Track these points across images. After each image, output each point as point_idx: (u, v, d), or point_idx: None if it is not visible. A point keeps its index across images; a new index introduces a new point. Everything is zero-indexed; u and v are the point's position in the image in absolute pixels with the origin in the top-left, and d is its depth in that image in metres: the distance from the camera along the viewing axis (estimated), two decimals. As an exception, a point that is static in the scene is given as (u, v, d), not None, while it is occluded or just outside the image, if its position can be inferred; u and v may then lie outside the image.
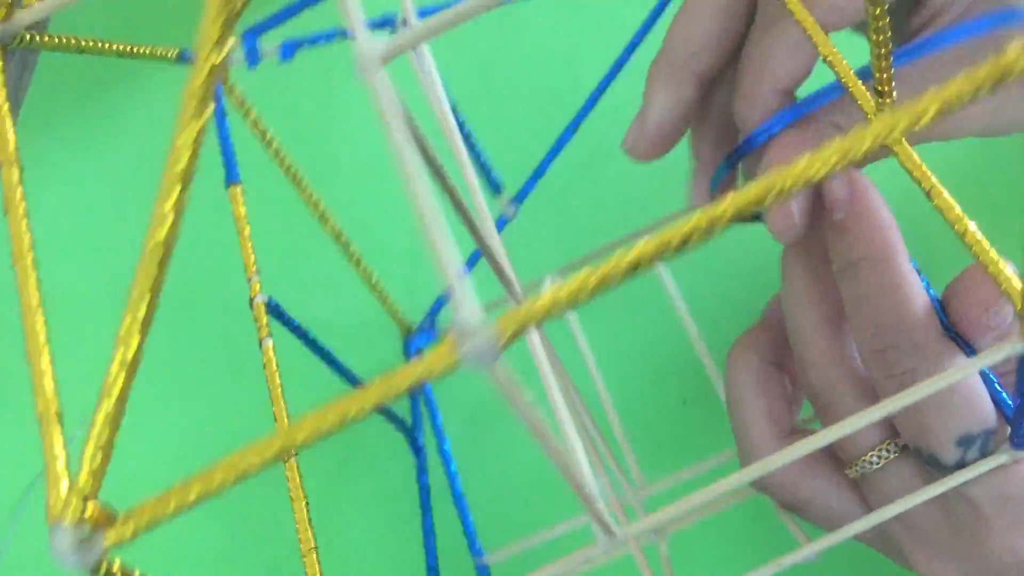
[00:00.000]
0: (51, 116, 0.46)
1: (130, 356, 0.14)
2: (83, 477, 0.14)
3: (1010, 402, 0.25)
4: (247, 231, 0.30)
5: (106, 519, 0.14)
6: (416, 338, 0.41)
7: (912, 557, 0.27)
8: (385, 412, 0.36)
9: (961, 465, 0.25)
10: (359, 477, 0.40)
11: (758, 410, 0.29)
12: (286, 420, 0.29)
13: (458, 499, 0.38)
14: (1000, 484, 0.25)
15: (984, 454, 0.24)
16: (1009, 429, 0.24)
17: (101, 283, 0.42)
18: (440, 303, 0.41)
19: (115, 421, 0.14)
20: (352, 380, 0.34)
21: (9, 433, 0.41)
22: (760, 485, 0.30)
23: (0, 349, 0.42)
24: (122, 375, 0.14)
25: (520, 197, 0.38)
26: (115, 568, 0.14)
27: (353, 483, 0.40)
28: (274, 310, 0.30)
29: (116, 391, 0.14)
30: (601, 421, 0.35)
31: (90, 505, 0.13)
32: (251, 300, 0.29)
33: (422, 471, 0.39)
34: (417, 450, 0.39)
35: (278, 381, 0.29)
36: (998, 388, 0.25)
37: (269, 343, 0.29)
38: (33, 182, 0.46)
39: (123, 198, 0.44)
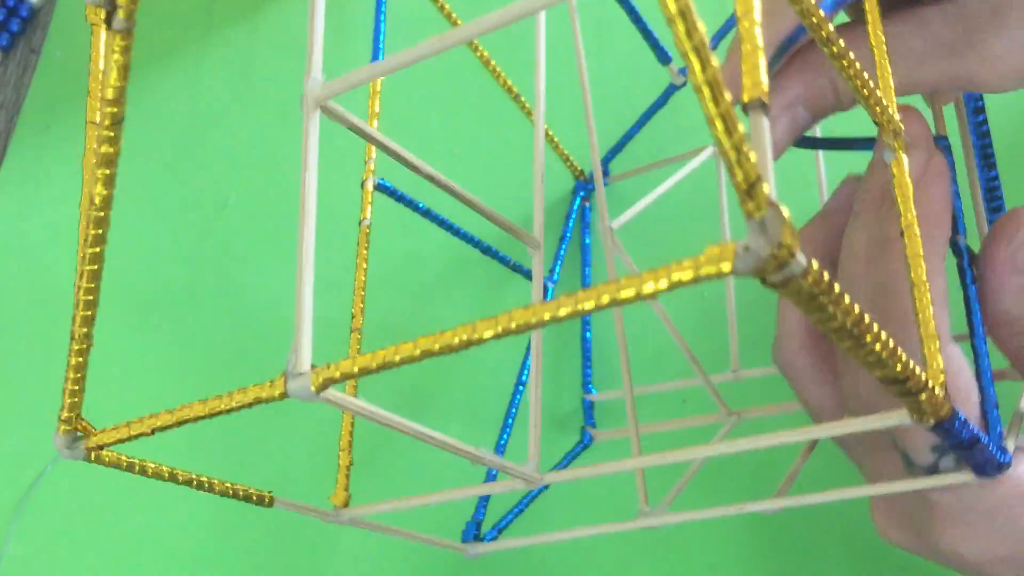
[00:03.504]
0: (51, 116, 0.46)
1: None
2: (66, 405, 0.20)
3: (999, 427, 0.24)
4: (375, 120, 0.32)
5: (86, 431, 0.20)
6: (587, 184, 0.45)
7: (873, 501, 0.29)
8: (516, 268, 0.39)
9: (933, 469, 0.25)
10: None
11: (794, 321, 0.29)
12: (362, 306, 0.30)
13: (585, 341, 0.42)
14: (965, 498, 0.25)
15: (959, 462, 0.24)
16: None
17: (102, 282, 0.42)
18: (609, 156, 0.45)
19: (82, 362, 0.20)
20: (475, 243, 0.36)
21: (10, 433, 0.41)
22: (784, 373, 0.30)
23: (1, 350, 0.42)
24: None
25: (684, 71, 0.39)
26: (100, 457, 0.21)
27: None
28: (385, 189, 0.31)
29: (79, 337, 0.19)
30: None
31: (75, 423, 0.20)
32: (363, 183, 0.31)
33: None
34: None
35: (365, 266, 0.30)
36: (991, 405, 0.25)
37: (366, 224, 0.30)
38: (34, 181, 0.46)
39: (123, 197, 0.44)
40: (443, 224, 0.35)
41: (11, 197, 0.44)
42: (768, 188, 0.13)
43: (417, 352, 0.16)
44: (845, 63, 0.19)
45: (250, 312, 0.42)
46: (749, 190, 0.13)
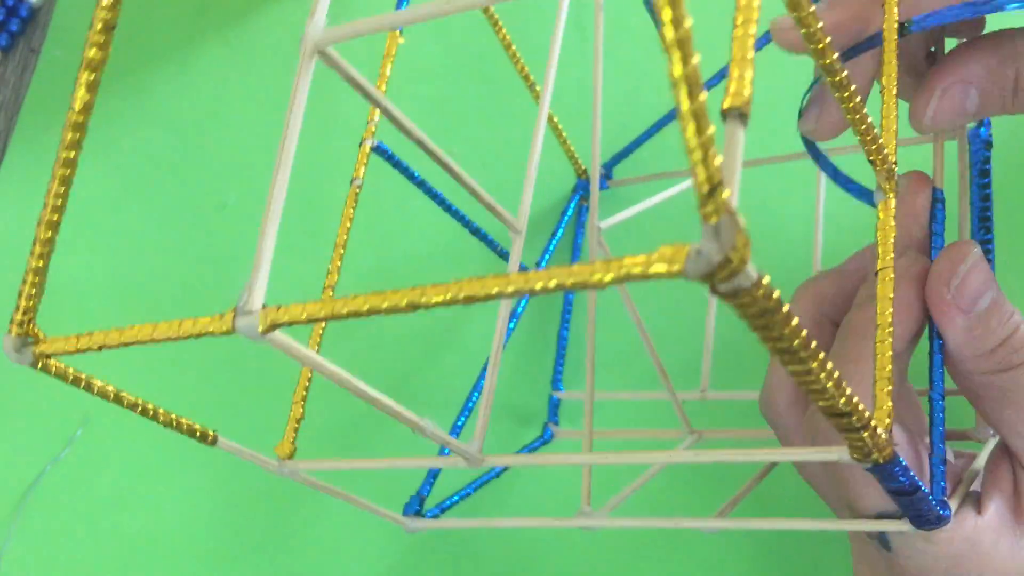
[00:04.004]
0: (51, 116, 0.45)
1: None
2: (21, 308, 0.20)
3: (943, 483, 0.25)
4: (384, 82, 0.32)
5: (36, 336, 0.20)
6: (588, 184, 0.45)
7: (855, 564, 0.30)
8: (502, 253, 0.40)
9: (883, 541, 0.26)
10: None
11: (784, 375, 0.29)
12: (339, 263, 0.30)
13: (562, 339, 0.42)
14: (924, 559, 0.26)
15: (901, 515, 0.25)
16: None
17: (101, 283, 0.42)
18: (614, 161, 0.45)
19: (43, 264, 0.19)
20: (464, 222, 0.36)
21: (10, 433, 0.40)
22: (771, 426, 0.30)
23: (-1, 349, 0.42)
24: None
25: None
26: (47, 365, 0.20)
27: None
28: (383, 153, 0.31)
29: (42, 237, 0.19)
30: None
31: (27, 327, 0.20)
32: (361, 141, 0.31)
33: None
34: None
35: (348, 224, 0.30)
36: (941, 467, 0.25)
37: (357, 184, 0.30)
38: (33, 182, 0.46)
39: (123, 197, 0.44)
40: (435, 198, 0.35)
41: (11, 197, 0.44)
42: (729, 193, 0.13)
43: (365, 307, 0.16)
44: (851, 105, 0.19)
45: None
46: (710, 192, 0.13)
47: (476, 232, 0.37)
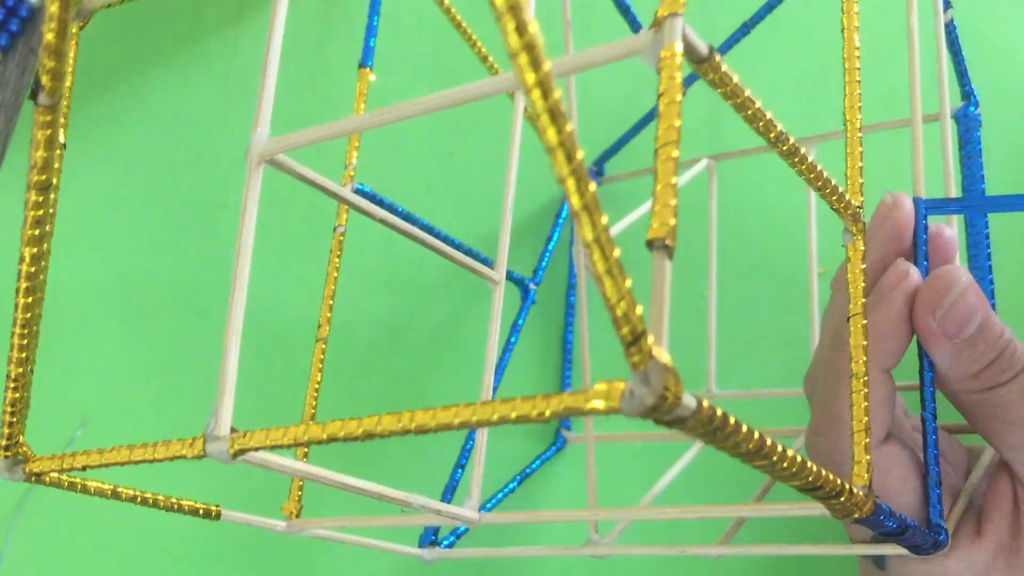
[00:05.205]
0: None
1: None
2: (5, 434, 0.20)
3: (939, 507, 0.25)
4: (353, 162, 0.32)
5: (26, 456, 0.21)
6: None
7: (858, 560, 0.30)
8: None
9: (879, 561, 0.27)
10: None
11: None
12: (329, 315, 0.30)
13: (567, 345, 0.43)
14: (917, 572, 0.26)
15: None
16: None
17: (102, 283, 0.41)
18: (605, 157, 0.45)
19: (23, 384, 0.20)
20: (454, 245, 0.36)
21: None
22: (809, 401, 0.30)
23: (0, 351, 0.42)
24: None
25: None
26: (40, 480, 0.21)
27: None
28: (364, 195, 0.31)
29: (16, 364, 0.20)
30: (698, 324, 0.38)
31: (15, 449, 0.20)
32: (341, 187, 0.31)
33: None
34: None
35: (335, 274, 0.30)
36: (936, 489, 0.25)
37: (340, 231, 0.30)
38: None
39: (123, 198, 0.44)
40: (424, 228, 0.35)
41: (11, 197, 0.44)
42: (652, 339, 0.13)
43: (324, 435, 0.17)
44: (797, 159, 0.19)
45: (249, 312, 0.43)
46: (634, 341, 0.13)
47: (469, 253, 0.37)
